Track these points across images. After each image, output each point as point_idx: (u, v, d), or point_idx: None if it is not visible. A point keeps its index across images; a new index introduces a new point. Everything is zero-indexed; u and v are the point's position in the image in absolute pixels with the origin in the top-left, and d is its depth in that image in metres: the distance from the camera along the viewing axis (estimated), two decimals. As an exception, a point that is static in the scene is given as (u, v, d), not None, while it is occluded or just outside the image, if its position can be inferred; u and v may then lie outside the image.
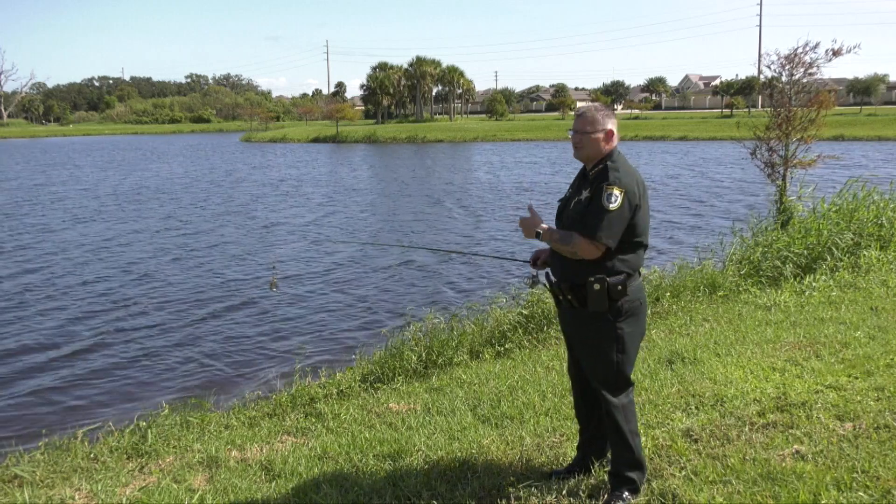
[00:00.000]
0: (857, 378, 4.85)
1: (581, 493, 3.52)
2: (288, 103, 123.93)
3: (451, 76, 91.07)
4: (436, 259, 13.54)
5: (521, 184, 27.05)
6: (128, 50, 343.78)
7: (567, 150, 3.73)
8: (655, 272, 8.48)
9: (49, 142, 76.80)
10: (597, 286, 3.29)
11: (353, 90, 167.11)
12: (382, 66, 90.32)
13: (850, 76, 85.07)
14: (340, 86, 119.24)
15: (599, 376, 3.43)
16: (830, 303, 7.18)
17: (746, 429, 4.11)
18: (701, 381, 5.01)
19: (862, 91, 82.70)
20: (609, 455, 3.64)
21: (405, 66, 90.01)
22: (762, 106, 56.96)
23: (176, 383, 7.61)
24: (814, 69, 10.98)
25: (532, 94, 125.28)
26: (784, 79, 11.20)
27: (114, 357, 8.47)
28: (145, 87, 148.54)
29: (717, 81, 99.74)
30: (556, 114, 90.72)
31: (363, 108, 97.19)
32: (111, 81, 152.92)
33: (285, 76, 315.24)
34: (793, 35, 20.46)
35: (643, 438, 3.82)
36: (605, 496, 3.46)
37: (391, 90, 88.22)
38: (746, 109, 65.28)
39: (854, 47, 10.90)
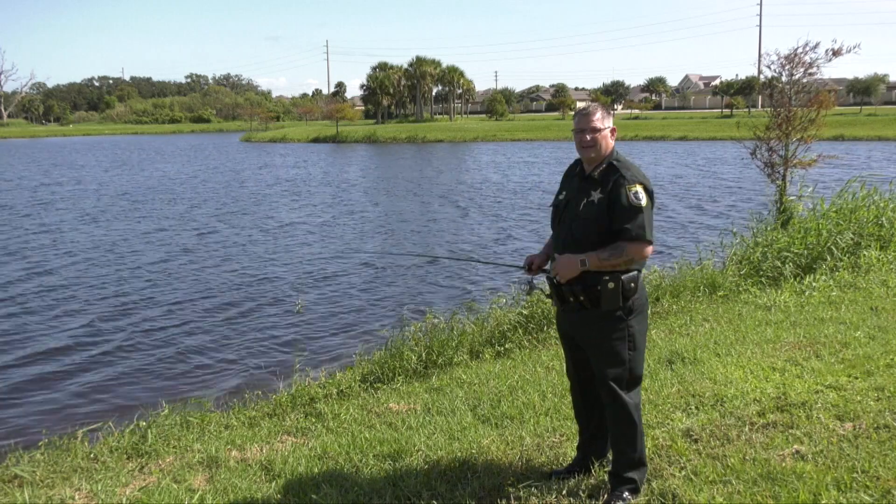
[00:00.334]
0: (857, 378, 4.85)
1: (581, 493, 3.52)
2: (288, 103, 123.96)
3: (451, 76, 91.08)
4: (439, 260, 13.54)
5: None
6: (128, 50, 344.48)
7: (569, 150, 3.68)
8: (655, 272, 8.47)
9: (49, 142, 76.80)
10: (611, 284, 3.28)
11: (353, 90, 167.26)
12: (382, 66, 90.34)
13: (850, 76, 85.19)
14: (340, 86, 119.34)
15: (613, 375, 3.38)
16: (830, 303, 7.18)
17: (746, 429, 4.11)
18: (701, 381, 5.01)
19: (862, 91, 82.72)
20: (609, 455, 3.64)
21: (405, 66, 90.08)
22: (762, 106, 56.95)
23: (176, 383, 7.61)
24: (814, 69, 11.00)
25: (532, 94, 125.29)
26: (784, 79, 11.21)
27: (114, 357, 8.47)
28: (145, 87, 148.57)
29: (717, 81, 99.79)
30: (556, 114, 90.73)
31: (363, 108, 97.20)
32: (111, 81, 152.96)
33: (285, 76, 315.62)
34: (793, 35, 20.48)
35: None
36: (605, 496, 3.45)
37: (391, 90, 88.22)
38: (746, 109, 65.29)
39: (854, 47, 10.91)
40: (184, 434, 5.17)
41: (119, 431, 5.31)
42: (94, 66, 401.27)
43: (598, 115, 3.40)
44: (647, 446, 3.85)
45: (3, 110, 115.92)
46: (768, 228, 9.91)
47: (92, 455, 4.87)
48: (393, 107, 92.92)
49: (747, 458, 3.73)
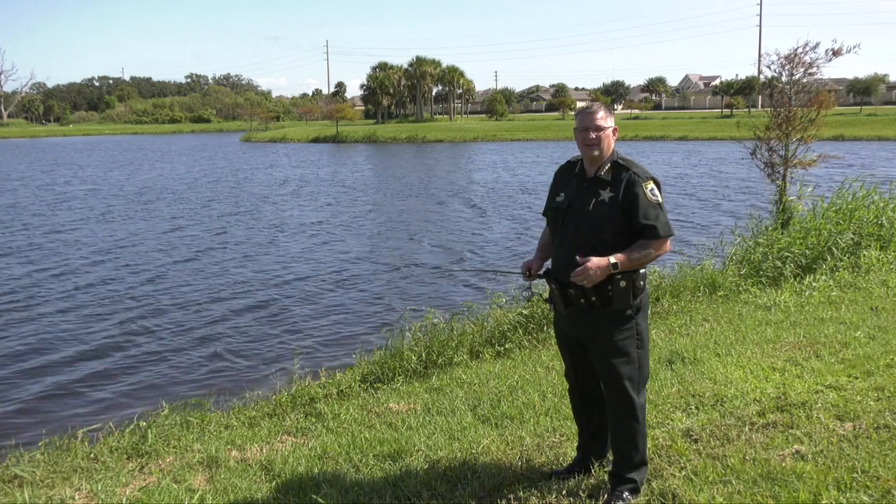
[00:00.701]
0: (857, 378, 4.85)
1: (581, 493, 3.52)
2: (288, 103, 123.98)
3: (451, 76, 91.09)
4: (442, 259, 13.55)
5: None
6: (128, 50, 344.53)
7: (571, 151, 3.68)
8: (655, 272, 8.47)
9: (49, 142, 76.79)
10: (623, 283, 3.27)
11: (353, 90, 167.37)
12: (382, 66, 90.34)
13: (850, 76, 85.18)
14: (340, 86, 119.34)
15: (626, 375, 3.37)
16: (830, 303, 7.18)
17: (746, 429, 4.11)
18: (701, 381, 5.01)
19: (862, 91, 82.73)
20: (609, 455, 3.64)
21: (405, 66, 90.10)
22: (762, 106, 56.95)
23: (176, 383, 7.60)
24: (814, 69, 10.98)
25: (532, 94, 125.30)
26: (784, 79, 11.19)
27: (114, 357, 8.47)
28: (145, 87, 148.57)
29: (717, 81, 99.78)
30: (556, 114, 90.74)
31: (363, 108, 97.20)
32: (111, 81, 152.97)
33: (285, 76, 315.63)
34: (793, 35, 20.46)
35: (643, 438, 3.82)
36: (605, 496, 3.45)
37: (391, 90, 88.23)
38: (746, 109, 65.28)
39: (854, 47, 10.90)
40: (184, 434, 5.17)
41: (119, 431, 5.30)
42: (94, 66, 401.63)
43: (602, 113, 3.40)
44: (647, 446, 3.85)
45: (3, 110, 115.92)
46: (769, 228, 9.91)
47: (92, 455, 4.87)
48: (393, 107, 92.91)
49: (747, 458, 3.73)
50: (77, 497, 4.08)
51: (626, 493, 3.40)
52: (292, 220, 19.27)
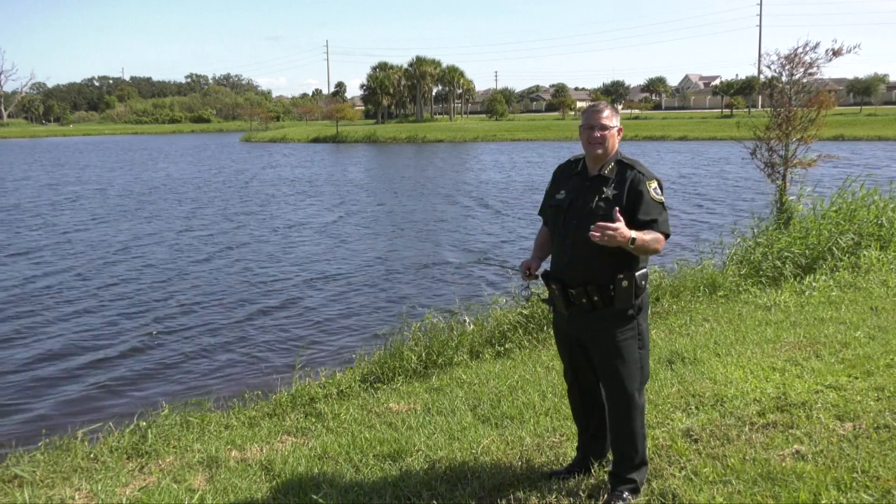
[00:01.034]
0: (857, 378, 4.85)
1: (581, 493, 3.52)
2: (288, 103, 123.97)
3: (451, 76, 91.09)
4: (444, 259, 13.55)
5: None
6: (128, 50, 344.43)
7: (572, 150, 3.67)
8: (655, 272, 8.47)
9: (50, 142, 76.77)
10: (625, 283, 3.27)
11: (353, 90, 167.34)
12: (382, 66, 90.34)
13: (850, 76, 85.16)
14: (340, 86, 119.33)
15: (626, 375, 3.37)
16: (830, 303, 7.18)
17: (746, 429, 4.11)
18: (701, 381, 5.01)
19: (862, 91, 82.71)
20: (609, 455, 3.64)
21: (405, 66, 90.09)
22: (762, 106, 56.95)
23: (176, 383, 7.61)
24: (814, 69, 11.00)
25: (532, 94, 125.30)
26: (784, 79, 11.21)
27: (114, 358, 8.47)
28: (145, 87, 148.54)
29: (717, 81, 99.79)
30: (556, 114, 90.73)
31: (363, 108, 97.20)
32: (111, 81, 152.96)
33: (285, 76, 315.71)
34: (793, 35, 20.48)
35: (643, 438, 3.82)
36: (605, 496, 3.45)
37: (391, 90, 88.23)
38: (746, 109, 65.28)
39: (854, 47, 10.91)
40: (184, 434, 5.17)
41: (119, 431, 5.30)
42: (94, 66, 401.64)
43: (608, 112, 3.41)
44: (647, 446, 3.85)
45: (3, 110, 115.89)
46: (769, 228, 9.91)
47: (92, 455, 4.87)
48: (393, 107, 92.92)
49: (747, 458, 3.73)
50: (77, 497, 4.08)
51: (627, 494, 3.40)
52: (294, 221, 19.27)
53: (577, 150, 3.58)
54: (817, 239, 8.98)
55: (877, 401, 4.39)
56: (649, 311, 5.01)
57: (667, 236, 3.33)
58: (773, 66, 11.30)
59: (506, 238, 15.97)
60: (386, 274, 12.56)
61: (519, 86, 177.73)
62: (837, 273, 8.33)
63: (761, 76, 53.30)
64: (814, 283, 7.91)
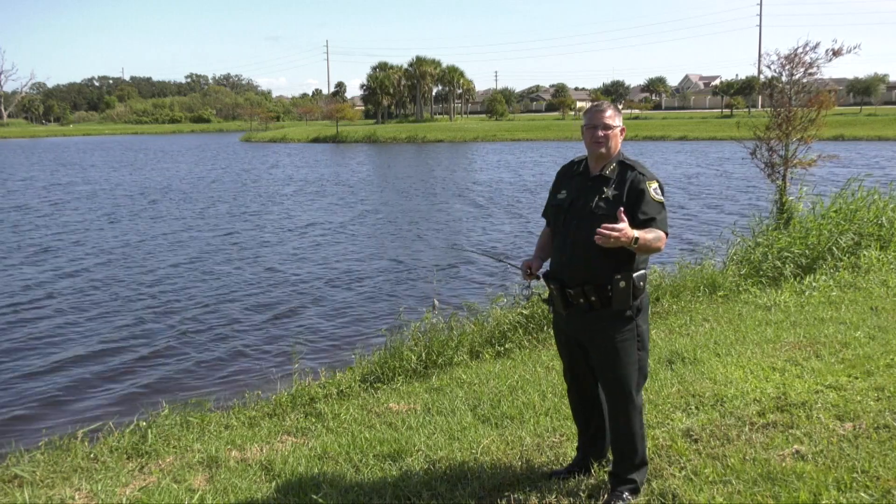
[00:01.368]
0: (857, 378, 4.85)
1: (581, 493, 3.52)
2: (288, 103, 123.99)
3: (451, 76, 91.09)
4: (445, 259, 13.55)
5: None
6: (128, 50, 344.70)
7: (573, 150, 3.66)
8: (655, 272, 8.47)
9: (50, 142, 76.76)
10: (623, 284, 3.27)
11: (353, 90, 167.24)
12: (382, 66, 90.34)
13: (850, 76, 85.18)
14: (340, 86, 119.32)
15: (624, 376, 3.36)
16: (830, 303, 7.18)
17: (746, 429, 4.11)
18: (701, 381, 5.01)
19: (862, 91, 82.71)
20: (609, 455, 3.64)
21: (405, 66, 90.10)
22: (762, 106, 56.95)
23: (176, 383, 7.61)
24: (814, 69, 11.00)
25: (532, 94, 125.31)
26: (784, 79, 11.21)
27: (114, 357, 8.47)
28: (145, 87, 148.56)
29: (717, 81, 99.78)
30: (556, 114, 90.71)
31: (363, 108, 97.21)
32: (111, 81, 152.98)
33: (285, 76, 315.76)
34: (793, 35, 20.49)
35: (643, 438, 3.82)
36: (605, 496, 3.45)
37: (391, 90, 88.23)
38: (746, 109, 65.28)
39: (854, 47, 10.91)
40: (184, 434, 5.17)
41: (119, 431, 5.30)
42: (94, 66, 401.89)
43: (611, 112, 3.41)
44: (647, 446, 3.85)
45: (3, 110, 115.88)
46: (769, 228, 9.91)
47: (92, 455, 4.87)
48: (393, 107, 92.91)
49: (747, 458, 3.73)
50: (77, 497, 4.08)
51: (626, 494, 3.40)
52: (295, 220, 19.27)
53: (578, 149, 3.58)
54: (817, 239, 8.98)
55: (877, 401, 4.39)
56: (649, 312, 5.01)
57: (666, 235, 3.32)
58: (773, 66, 11.31)
59: (518, 234, 15.99)
60: (387, 274, 12.55)
61: (519, 86, 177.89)
62: (837, 273, 8.33)
63: (761, 76, 53.30)
64: (814, 283, 7.91)
